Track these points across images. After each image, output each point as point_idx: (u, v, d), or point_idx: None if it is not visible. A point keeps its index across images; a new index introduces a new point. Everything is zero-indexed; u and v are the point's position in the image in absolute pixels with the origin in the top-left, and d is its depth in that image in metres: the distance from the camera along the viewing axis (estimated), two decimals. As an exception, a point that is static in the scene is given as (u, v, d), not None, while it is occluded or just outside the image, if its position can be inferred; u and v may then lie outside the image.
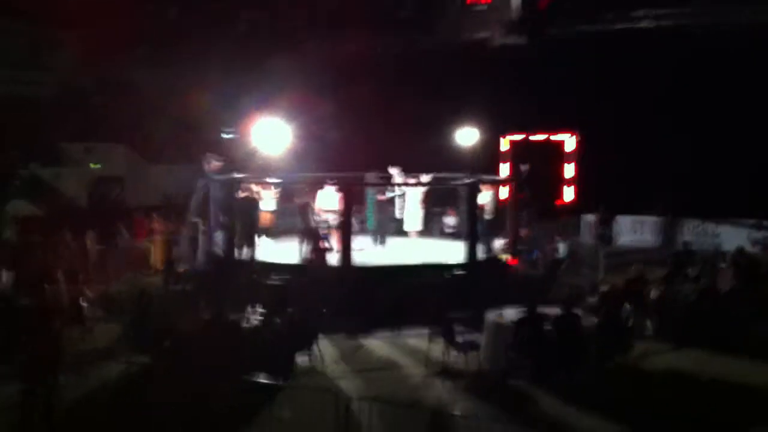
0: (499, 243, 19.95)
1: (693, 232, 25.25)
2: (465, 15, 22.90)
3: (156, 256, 21.34)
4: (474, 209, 18.31)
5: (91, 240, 19.36)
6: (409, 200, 20.80)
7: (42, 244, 18.80)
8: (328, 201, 19.73)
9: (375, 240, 20.69)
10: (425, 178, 21.61)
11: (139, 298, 13.97)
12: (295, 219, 20.62)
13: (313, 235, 18.02)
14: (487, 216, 19.83)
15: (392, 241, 21.06)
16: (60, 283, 15.99)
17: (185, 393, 10.29)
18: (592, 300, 14.70)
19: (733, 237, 23.77)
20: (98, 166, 28.01)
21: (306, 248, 17.87)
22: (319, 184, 20.27)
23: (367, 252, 19.29)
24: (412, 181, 21.56)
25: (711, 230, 25.06)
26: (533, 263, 19.85)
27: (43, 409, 10.62)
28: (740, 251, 18.02)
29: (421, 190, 20.92)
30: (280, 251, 19.40)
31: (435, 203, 23.61)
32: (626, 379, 12.64)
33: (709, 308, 14.99)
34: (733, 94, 25.42)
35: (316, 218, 19.27)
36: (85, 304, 14.80)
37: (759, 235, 24.49)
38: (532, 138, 29.56)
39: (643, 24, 23.55)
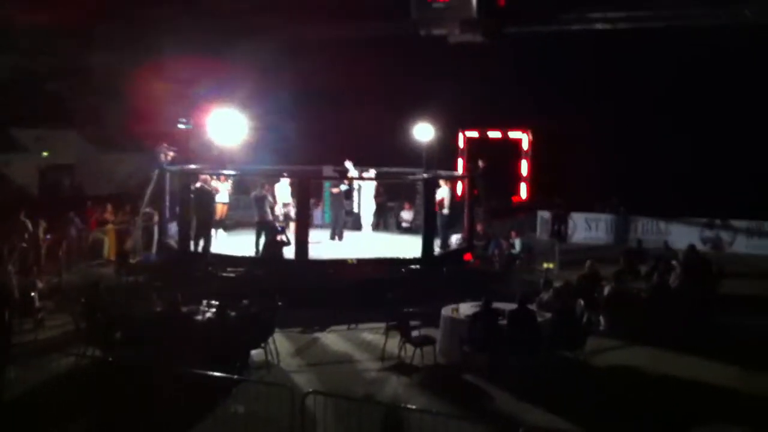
0: (455, 238, 20.05)
1: (645, 230, 25.60)
2: (424, 11, 22.88)
3: (109, 246, 21.06)
4: (431, 204, 18.36)
5: (42, 229, 19.00)
6: (363, 195, 20.78)
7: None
8: (284, 193, 19.69)
9: (332, 234, 20.65)
10: (373, 172, 21.69)
11: (91, 289, 13.73)
12: (250, 211, 20.48)
13: (269, 227, 17.92)
14: (445, 211, 19.89)
15: (349, 235, 21.04)
16: (8, 272, 15.68)
17: (136, 386, 10.15)
18: (546, 295, 14.76)
19: (684, 235, 24.18)
20: (48, 153, 27.49)
21: (262, 240, 17.79)
22: (276, 177, 20.18)
23: (323, 245, 19.25)
24: (366, 175, 21.56)
25: (663, 228, 25.45)
26: (489, 258, 19.98)
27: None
28: (692, 249, 18.27)
29: (374, 184, 20.87)
30: (235, 243, 19.27)
31: (391, 198, 23.69)
32: (578, 374, 12.78)
33: (660, 305, 15.22)
34: (686, 93, 25.84)
35: (273, 210, 19.19)
36: (35, 295, 14.52)
37: (710, 233, 24.98)
38: (488, 135, 29.79)
39: (599, 26, 23.80)
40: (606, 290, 15.50)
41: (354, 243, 20.46)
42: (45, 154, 27.30)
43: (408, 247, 18.86)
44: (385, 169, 23.04)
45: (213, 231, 19.00)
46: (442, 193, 20.05)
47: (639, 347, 14.13)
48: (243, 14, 25.63)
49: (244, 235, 20.28)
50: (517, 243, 20.45)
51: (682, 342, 14.06)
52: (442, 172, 22.62)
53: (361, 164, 22.44)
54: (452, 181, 22.29)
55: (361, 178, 21.42)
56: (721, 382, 12.45)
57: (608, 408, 11.27)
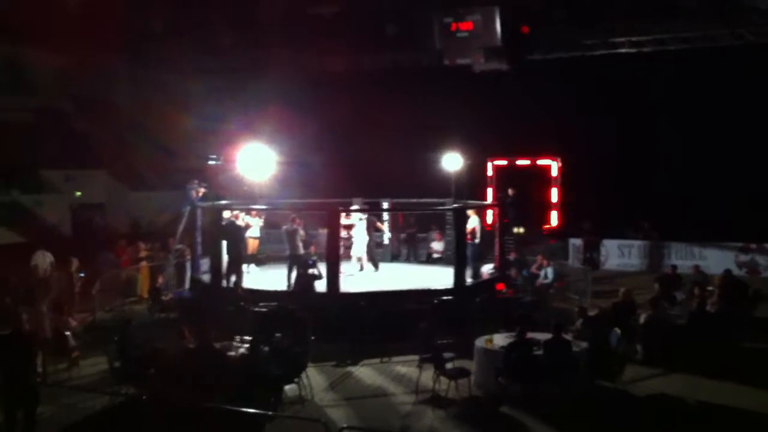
0: (487, 268, 19.93)
1: (679, 255, 25.31)
2: (448, 40, 22.95)
3: (142, 283, 21.17)
4: (461, 234, 18.26)
5: (75, 267, 19.11)
6: (357, 228, 20.64)
7: (24, 272, 18.50)
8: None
9: (361, 266, 20.66)
10: (386, 204, 21.70)
11: (124, 327, 13.76)
12: (281, 245, 20.51)
13: (300, 260, 17.91)
14: (476, 240, 19.81)
15: (381, 267, 21.07)
16: (41, 310, 15.75)
17: (171, 423, 10.10)
18: (581, 324, 14.59)
19: (719, 260, 23.91)
20: (80, 194, 27.77)
21: (294, 274, 17.79)
22: (305, 210, 20.27)
23: (356, 277, 19.23)
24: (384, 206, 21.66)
25: (697, 253, 25.14)
26: (521, 287, 19.82)
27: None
28: (728, 273, 18.01)
29: (365, 218, 20.77)
30: (267, 278, 19.30)
31: (422, 229, 23.63)
32: (616, 403, 12.58)
33: (698, 331, 14.97)
34: (716, 117, 25.67)
35: (304, 244, 19.22)
36: (69, 334, 14.57)
37: (745, 257, 24.66)
38: (516, 163, 29.71)
39: (623, 50, 23.73)
40: (642, 318, 15.28)
41: (386, 274, 20.42)
42: (78, 194, 27.56)
43: (439, 277, 18.79)
44: (415, 200, 23.05)
45: (245, 266, 19.04)
46: (473, 222, 19.97)
47: (677, 375, 13.91)
48: (266, 48, 25.83)
49: (276, 269, 20.32)
50: (549, 271, 20.26)
51: (720, 368, 13.82)
52: (472, 202, 22.57)
53: (389, 195, 22.49)
54: (481, 210, 22.24)
55: (389, 210, 21.41)
56: (760, 409, 12.19)
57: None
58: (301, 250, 18.76)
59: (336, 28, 24.04)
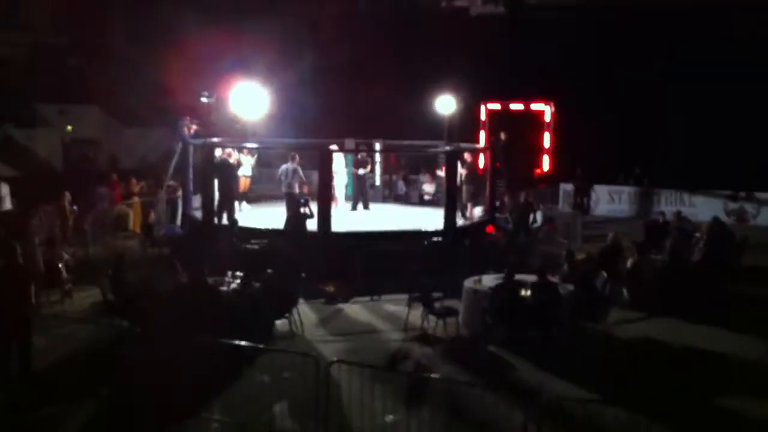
0: (477, 210, 20.05)
1: (668, 202, 25.49)
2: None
3: (134, 218, 21.25)
4: (453, 177, 18.32)
5: (67, 202, 19.18)
6: (337, 168, 20.56)
7: (17, 206, 18.57)
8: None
9: (354, 205, 20.77)
10: (379, 145, 21.69)
11: (117, 261, 13.88)
12: (272, 184, 20.57)
13: (293, 200, 17.99)
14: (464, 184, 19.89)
15: (372, 207, 21.19)
16: (34, 244, 15.83)
17: (163, 356, 10.27)
18: (568, 267, 14.78)
19: (708, 207, 24.10)
20: (71, 128, 27.67)
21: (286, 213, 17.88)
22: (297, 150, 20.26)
23: (347, 217, 19.35)
24: (376, 147, 21.64)
25: (686, 200, 25.33)
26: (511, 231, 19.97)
27: (19, 367, 10.62)
28: (716, 221, 18.17)
29: (341, 158, 20.69)
30: (258, 216, 19.39)
31: (413, 170, 23.71)
32: (600, 345, 12.82)
33: (683, 277, 15.19)
34: (711, 63, 25.65)
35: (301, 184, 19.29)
36: (61, 266, 14.71)
37: (734, 205, 24.85)
38: (509, 108, 29.66)
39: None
40: (629, 262, 15.48)
41: (377, 215, 20.54)
42: (69, 128, 27.48)
43: (430, 219, 18.94)
44: (407, 141, 23.07)
45: (236, 204, 19.11)
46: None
47: (661, 319, 14.13)
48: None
49: (267, 208, 20.43)
50: (539, 215, 20.40)
51: (704, 314, 14.05)
52: (464, 145, 22.61)
53: (382, 137, 22.47)
54: (474, 153, 22.28)
55: (382, 151, 21.43)
56: (742, 354, 12.45)
57: (629, 378, 11.30)
58: (295, 189, 18.83)
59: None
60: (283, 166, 19.16)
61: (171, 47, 26.62)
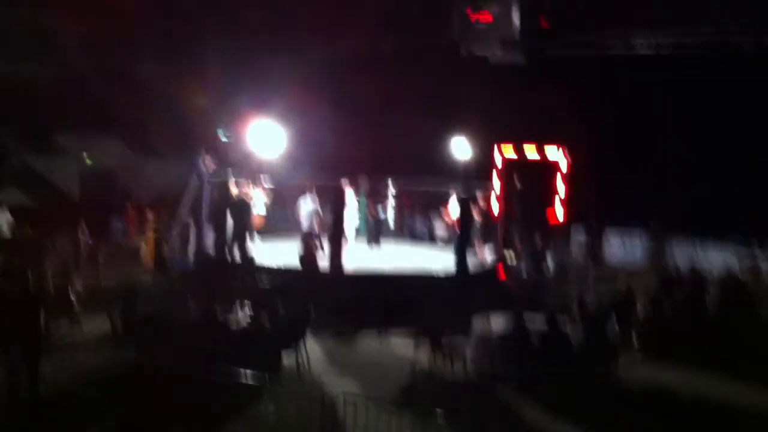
0: (489, 255, 20.06)
1: (682, 252, 25.36)
2: (467, 31, 23.00)
3: (147, 252, 21.32)
4: (467, 221, 18.37)
5: (82, 233, 19.32)
6: (348, 207, 20.62)
7: (33, 235, 18.71)
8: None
9: (369, 243, 20.85)
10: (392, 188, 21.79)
11: (129, 292, 13.95)
12: (286, 223, 20.66)
13: (306, 236, 18.07)
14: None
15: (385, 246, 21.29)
16: (47, 272, 15.90)
17: (171, 390, 10.28)
18: (579, 312, 14.73)
19: (721, 258, 23.91)
20: (91, 159, 27.92)
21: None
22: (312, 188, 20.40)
23: (361, 255, 19.40)
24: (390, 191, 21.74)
25: (699, 251, 25.17)
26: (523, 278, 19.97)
27: (28, 395, 10.64)
28: (729, 273, 18.12)
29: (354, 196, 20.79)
30: (271, 254, 19.45)
31: (428, 210, 23.71)
32: (608, 390, 12.73)
33: (696, 326, 15.11)
34: (723, 116, 25.69)
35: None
36: (73, 296, 14.76)
37: (748, 259, 24.67)
38: (525, 155, 29.68)
39: (642, 51, 23.70)
40: (641, 310, 15.42)
41: (387, 255, 20.59)
42: (89, 161, 27.70)
43: (441, 260, 18.96)
44: (422, 180, 23.15)
45: (250, 242, 19.17)
46: (457, 211, 19.97)
47: (673, 367, 14.02)
48: (283, 29, 25.90)
49: (280, 244, 20.50)
50: (550, 261, 20.38)
51: (717, 363, 13.95)
52: (479, 191, 22.67)
53: (397, 176, 22.56)
54: (487, 197, 22.38)
55: (398, 195, 21.55)
56: (757, 407, 12.34)
57: (636, 425, 11.20)
58: (309, 228, 18.92)
59: (354, 10, 24.09)
60: (302, 201, 19.12)
61: (191, 83, 26.91)
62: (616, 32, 23.33)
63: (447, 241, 22.07)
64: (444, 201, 21.81)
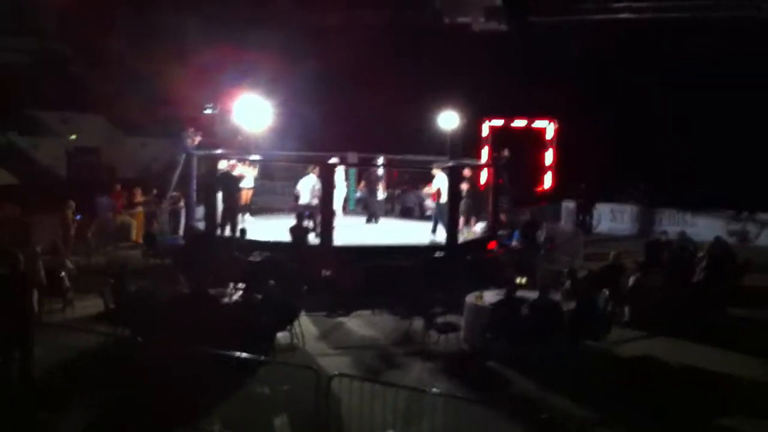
0: (480, 226, 20.09)
1: (670, 222, 25.52)
2: (448, -2, 22.92)
3: (136, 228, 21.28)
4: (456, 193, 18.35)
5: (71, 210, 19.22)
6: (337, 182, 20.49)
7: (19, 214, 18.59)
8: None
9: (368, 218, 20.84)
10: (381, 160, 21.71)
11: (119, 270, 13.89)
12: (274, 196, 20.60)
13: (297, 212, 18.04)
14: (442, 200, 19.86)
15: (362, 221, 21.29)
16: (36, 252, 15.82)
17: (164, 367, 10.27)
18: (570, 285, 14.78)
19: (710, 227, 24.10)
20: (75, 137, 27.72)
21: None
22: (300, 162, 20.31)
23: (350, 230, 19.38)
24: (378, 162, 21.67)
25: (688, 220, 25.36)
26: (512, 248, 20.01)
27: (20, 377, 10.62)
28: (717, 241, 18.19)
29: (342, 171, 20.60)
30: (260, 228, 19.42)
31: (415, 185, 23.73)
32: (599, 363, 12.83)
33: (683, 297, 15.20)
34: (711, 87, 25.68)
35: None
36: (64, 275, 14.71)
37: (736, 226, 24.87)
38: (512, 124, 29.71)
39: (623, 15, 23.68)
40: (630, 281, 15.49)
41: (379, 229, 20.60)
42: (73, 137, 27.52)
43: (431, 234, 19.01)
44: (410, 156, 23.11)
45: (239, 215, 19.16)
46: (438, 183, 19.96)
47: (662, 338, 14.14)
48: (267, 1, 25.74)
49: (269, 220, 20.47)
50: (540, 233, 20.40)
51: (705, 334, 14.08)
52: (467, 161, 22.66)
53: (384, 150, 22.51)
54: (476, 169, 22.37)
55: (385, 165, 21.46)
56: (742, 374, 12.47)
57: (628, 397, 11.31)
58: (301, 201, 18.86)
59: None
60: (304, 180, 19.01)
61: (175, 58, 26.71)
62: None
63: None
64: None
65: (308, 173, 18.97)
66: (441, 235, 18.54)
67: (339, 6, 25.60)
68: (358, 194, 23.27)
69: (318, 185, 18.43)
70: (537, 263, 18.40)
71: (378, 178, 21.37)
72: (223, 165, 19.07)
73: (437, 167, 19.56)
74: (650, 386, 11.87)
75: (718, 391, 11.89)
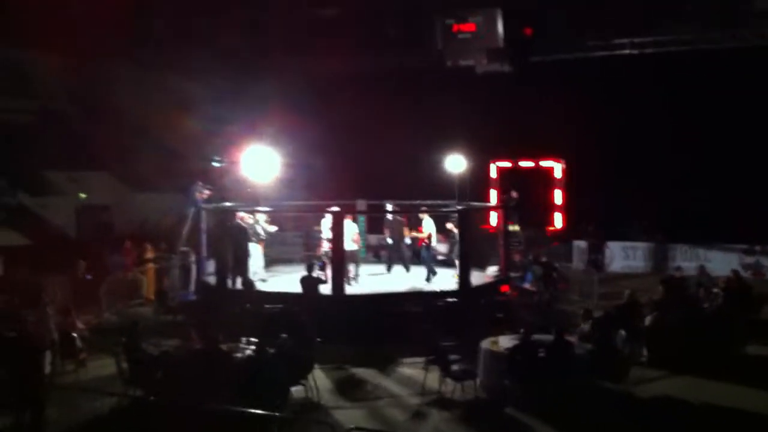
0: (491, 270, 19.97)
1: (684, 257, 25.37)
2: (449, 41, 22.99)
3: (147, 285, 21.22)
4: (467, 236, 18.26)
5: (81, 270, 19.20)
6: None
7: (30, 275, 18.58)
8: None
9: (389, 267, 20.66)
10: (390, 206, 21.65)
11: (131, 329, 13.80)
12: (284, 247, 20.53)
13: (308, 263, 17.96)
14: (433, 244, 19.78)
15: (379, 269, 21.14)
16: (47, 314, 15.76)
17: (178, 425, 10.15)
18: (586, 326, 14.63)
19: (723, 262, 23.96)
20: (85, 195, 27.83)
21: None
22: (311, 212, 20.28)
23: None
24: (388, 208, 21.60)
25: (702, 255, 25.18)
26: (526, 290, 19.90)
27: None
28: (734, 275, 18.04)
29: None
30: (272, 280, 19.37)
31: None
32: (621, 405, 12.63)
33: (703, 333, 15.01)
34: (718, 119, 25.70)
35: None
36: (75, 335, 14.63)
37: (749, 260, 24.71)
38: (520, 165, 29.71)
39: (626, 51, 23.77)
40: (647, 320, 15.32)
41: (390, 276, 20.50)
42: (82, 195, 27.62)
43: (443, 279, 18.88)
44: (418, 201, 23.07)
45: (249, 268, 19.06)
46: (427, 227, 19.88)
47: (682, 377, 13.93)
48: (269, 50, 25.90)
49: (281, 271, 20.39)
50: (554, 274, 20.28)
51: (725, 371, 13.88)
52: (476, 204, 22.63)
53: (393, 197, 22.45)
54: (483, 212, 22.35)
55: (397, 212, 21.39)
56: (761, 411, 12.26)
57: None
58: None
59: (338, 30, 24.12)
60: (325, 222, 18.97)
61: (179, 111, 26.87)
62: (600, 34, 23.40)
63: (448, 261, 21.96)
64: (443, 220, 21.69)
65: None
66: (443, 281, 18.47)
67: (341, 54, 25.74)
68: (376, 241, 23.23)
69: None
70: (551, 304, 18.30)
71: (402, 224, 21.34)
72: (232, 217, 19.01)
73: (425, 211, 19.66)
74: (673, 428, 11.67)
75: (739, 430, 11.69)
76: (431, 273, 19.43)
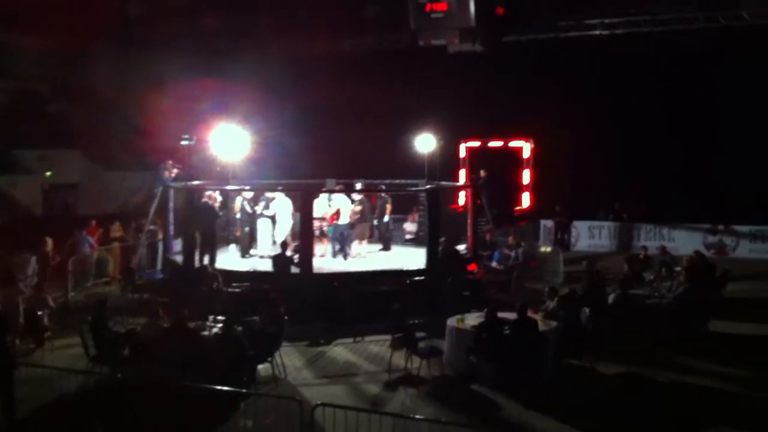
0: (460, 248, 20.07)
1: (648, 237, 25.68)
2: (422, 20, 22.98)
3: (114, 264, 21.12)
4: (435, 215, 18.34)
5: (49, 248, 19.06)
6: (280, 210, 20.16)
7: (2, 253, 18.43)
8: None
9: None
10: (360, 185, 21.67)
11: (97, 307, 13.75)
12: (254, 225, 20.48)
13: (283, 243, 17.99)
14: (342, 221, 19.74)
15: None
16: (19, 290, 15.66)
17: (144, 403, 10.18)
18: (551, 304, 14.80)
19: (687, 241, 24.29)
20: (51, 173, 27.60)
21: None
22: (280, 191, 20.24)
23: (328, 258, 19.34)
24: (357, 187, 21.62)
25: (666, 234, 25.52)
26: (493, 269, 20.04)
27: (4, 418, 10.49)
28: (697, 254, 18.30)
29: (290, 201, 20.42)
30: (240, 259, 19.34)
31: (395, 210, 23.63)
32: (585, 381, 12.82)
33: (665, 311, 15.25)
34: (685, 100, 25.90)
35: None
36: (42, 314, 14.56)
37: (713, 239, 25.06)
38: (489, 144, 29.82)
39: (597, 32, 23.91)
40: (611, 297, 15.51)
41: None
42: (48, 174, 27.39)
43: (413, 258, 18.98)
44: (388, 180, 23.09)
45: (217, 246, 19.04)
46: (337, 204, 19.91)
47: (645, 353, 14.12)
48: (242, 32, 25.76)
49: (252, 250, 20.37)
50: (520, 252, 20.42)
51: (688, 347, 14.11)
52: (445, 183, 22.69)
53: (363, 177, 22.44)
54: (454, 190, 22.42)
55: (367, 191, 21.41)
56: (726, 387, 12.55)
57: (615, 414, 11.30)
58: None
59: (314, 11, 24.03)
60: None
61: (151, 90, 26.66)
62: (571, 14, 23.53)
63: (417, 239, 22.09)
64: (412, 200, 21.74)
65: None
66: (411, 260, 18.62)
67: (315, 35, 25.66)
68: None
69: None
70: (516, 282, 18.46)
71: (385, 202, 21.41)
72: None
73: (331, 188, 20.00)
74: (636, 402, 11.86)
75: (703, 405, 11.91)
76: (336, 251, 19.55)
